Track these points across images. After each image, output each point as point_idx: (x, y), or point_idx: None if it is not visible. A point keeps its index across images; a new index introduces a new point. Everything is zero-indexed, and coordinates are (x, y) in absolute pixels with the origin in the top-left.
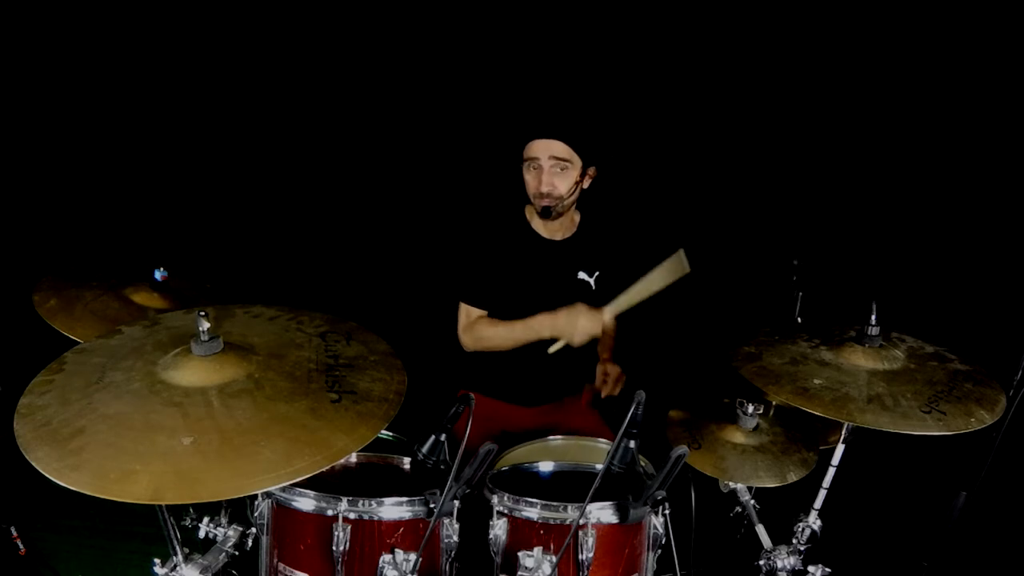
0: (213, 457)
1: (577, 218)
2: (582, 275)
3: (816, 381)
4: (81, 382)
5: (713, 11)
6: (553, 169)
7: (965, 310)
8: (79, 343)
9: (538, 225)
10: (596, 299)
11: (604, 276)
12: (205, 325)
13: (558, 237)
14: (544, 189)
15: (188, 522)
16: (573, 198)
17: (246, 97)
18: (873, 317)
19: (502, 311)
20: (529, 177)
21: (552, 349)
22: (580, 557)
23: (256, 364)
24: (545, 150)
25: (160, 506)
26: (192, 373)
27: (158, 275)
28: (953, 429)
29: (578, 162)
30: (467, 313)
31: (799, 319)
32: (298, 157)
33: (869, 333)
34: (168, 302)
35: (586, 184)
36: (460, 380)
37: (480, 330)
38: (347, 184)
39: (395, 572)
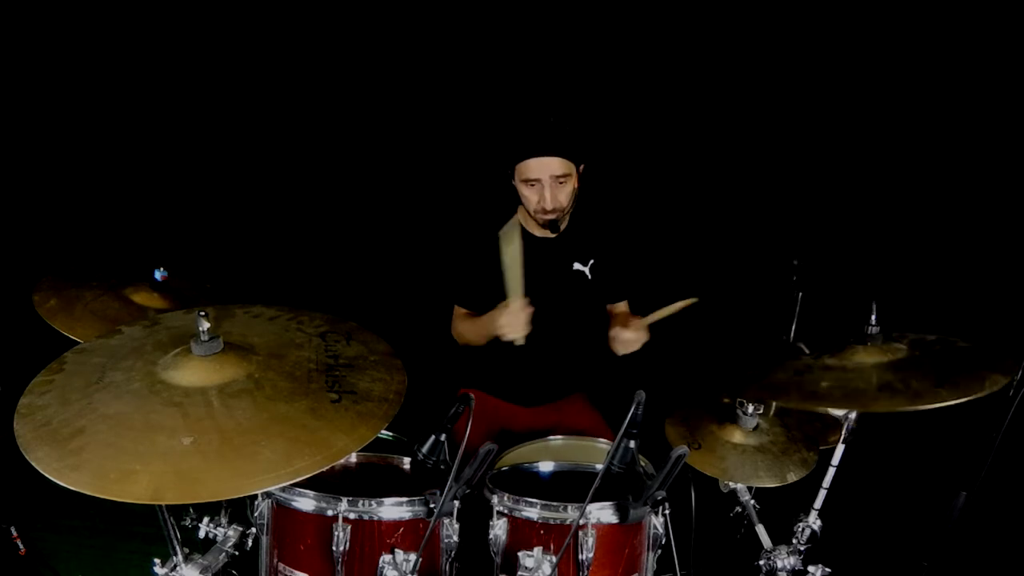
0: (213, 457)
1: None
2: (577, 266)
3: (824, 384)
4: (81, 382)
5: (714, 8)
6: (554, 184)
7: (965, 310)
8: (79, 343)
9: (530, 224)
10: (593, 287)
11: (599, 263)
12: (205, 325)
13: (552, 234)
14: (550, 206)
15: (188, 522)
16: (573, 202)
17: (246, 98)
18: (873, 317)
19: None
20: (529, 194)
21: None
22: (580, 557)
23: (256, 364)
24: (545, 170)
25: (160, 506)
26: (192, 373)
27: (158, 275)
28: (969, 394)
29: (575, 171)
30: (456, 311)
31: (793, 342)
32: (297, 158)
33: (869, 333)
34: (168, 302)
35: (577, 183)
36: (460, 380)
37: (458, 325)
38: (347, 185)
39: (395, 572)
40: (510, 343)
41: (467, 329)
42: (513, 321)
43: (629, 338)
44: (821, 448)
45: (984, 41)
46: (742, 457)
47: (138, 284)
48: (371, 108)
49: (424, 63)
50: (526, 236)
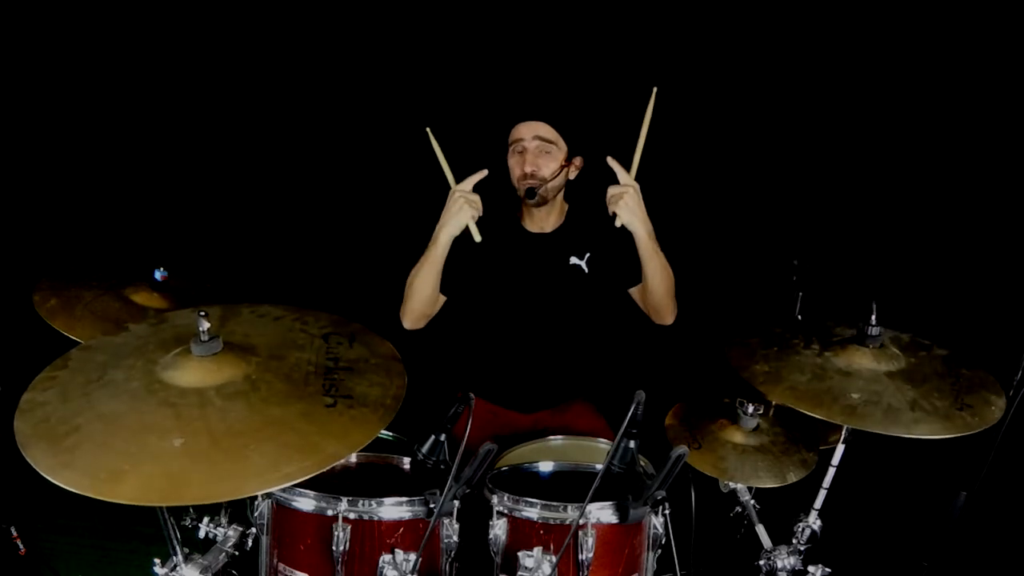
0: (202, 459)
1: (565, 208)
2: (573, 260)
3: (854, 395)
4: (82, 379)
5: (711, 5)
6: (538, 150)
7: (965, 310)
8: (79, 343)
9: (528, 223)
10: (590, 282)
11: (595, 256)
12: (205, 325)
13: (548, 229)
14: (527, 169)
15: (188, 522)
16: (558, 182)
17: (246, 97)
18: (873, 317)
19: (495, 306)
20: (513, 162)
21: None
22: (580, 557)
23: (255, 365)
24: (531, 131)
25: (160, 506)
26: (190, 373)
27: (158, 275)
28: (988, 422)
29: (563, 146)
30: None
31: (799, 317)
32: (298, 156)
33: (870, 333)
34: (168, 302)
35: (572, 175)
36: (460, 383)
37: (405, 292)
38: (348, 184)
39: (395, 572)
40: (503, 345)
41: (412, 275)
42: (452, 204)
43: (618, 191)
44: (821, 448)
45: (984, 41)
46: (742, 457)
47: (138, 284)
48: (377, 106)
49: (429, 63)
50: (522, 232)
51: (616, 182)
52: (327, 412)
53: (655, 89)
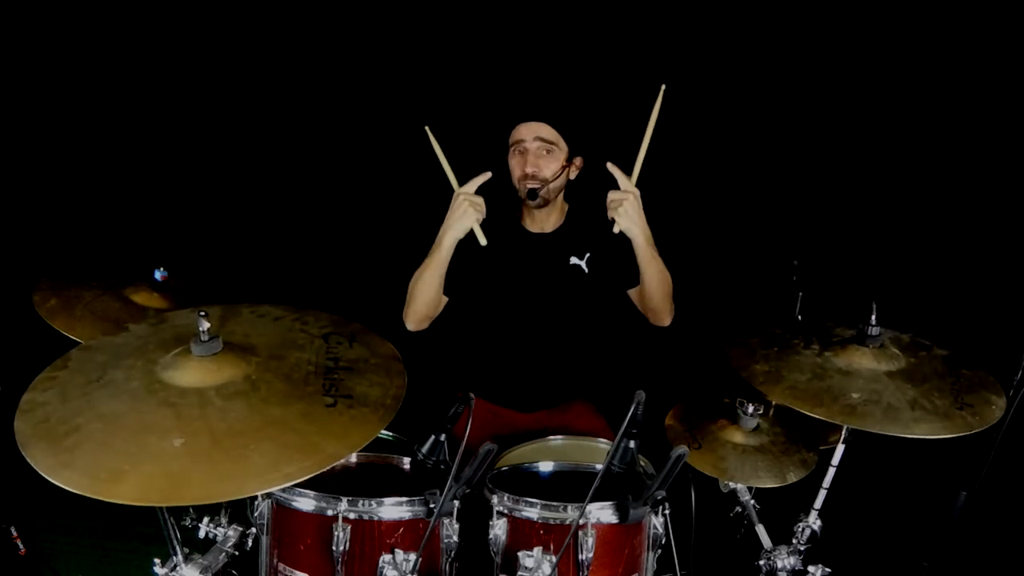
0: (202, 459)
1: (566, 208)
2: (574, 260)
3: (854, 395)
4: (82, 379)
5: (711, 5)
6: (539, 151)
7: (965, 310)
8: (79, 343)
9: (528, 223)
10: (590, 282)
11: (595, 256)
12: (205, 325)
13: (548, 229)
14: (529, 170)
15: (188, 522)
16: (559, 183)
17: (245, 96)
18: (873, 317)
19: (495, 306)
20: (514, 162)
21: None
22: (580, 557)
23: (255, 365)
24: (531, 132)
25: (160, 506)
26: (190, 373)
27: (158, 275)
28: (988, 421)
29: (564, 147)
30: None
31: (799, 317)
32: (298, 156)
33: (870, 333)
34: (168, 302)
35: (573, 175)
36: (460, 383)
37: (408, 294)
38: (349, 185)
39: (395, 572)
40: (504, 345)
41: (415, 278)
42: (457, 207)
43: (618, 196)
44: (821, 448)
45: (984, 41)
46: (742, 457)
47: (138, 284)
48: (377, 106)
49: (429, 63)
50: (522, 233)
51: (616, 184)
52: (327, 412)
53: (663, 87)
